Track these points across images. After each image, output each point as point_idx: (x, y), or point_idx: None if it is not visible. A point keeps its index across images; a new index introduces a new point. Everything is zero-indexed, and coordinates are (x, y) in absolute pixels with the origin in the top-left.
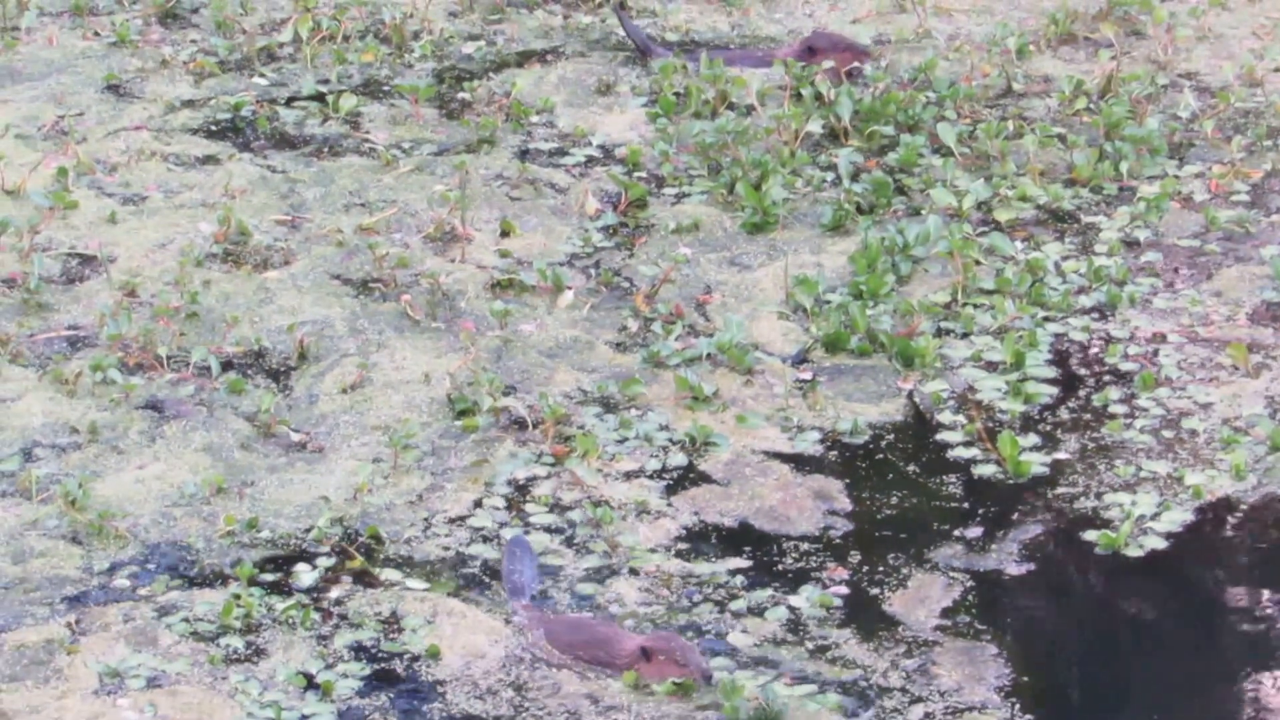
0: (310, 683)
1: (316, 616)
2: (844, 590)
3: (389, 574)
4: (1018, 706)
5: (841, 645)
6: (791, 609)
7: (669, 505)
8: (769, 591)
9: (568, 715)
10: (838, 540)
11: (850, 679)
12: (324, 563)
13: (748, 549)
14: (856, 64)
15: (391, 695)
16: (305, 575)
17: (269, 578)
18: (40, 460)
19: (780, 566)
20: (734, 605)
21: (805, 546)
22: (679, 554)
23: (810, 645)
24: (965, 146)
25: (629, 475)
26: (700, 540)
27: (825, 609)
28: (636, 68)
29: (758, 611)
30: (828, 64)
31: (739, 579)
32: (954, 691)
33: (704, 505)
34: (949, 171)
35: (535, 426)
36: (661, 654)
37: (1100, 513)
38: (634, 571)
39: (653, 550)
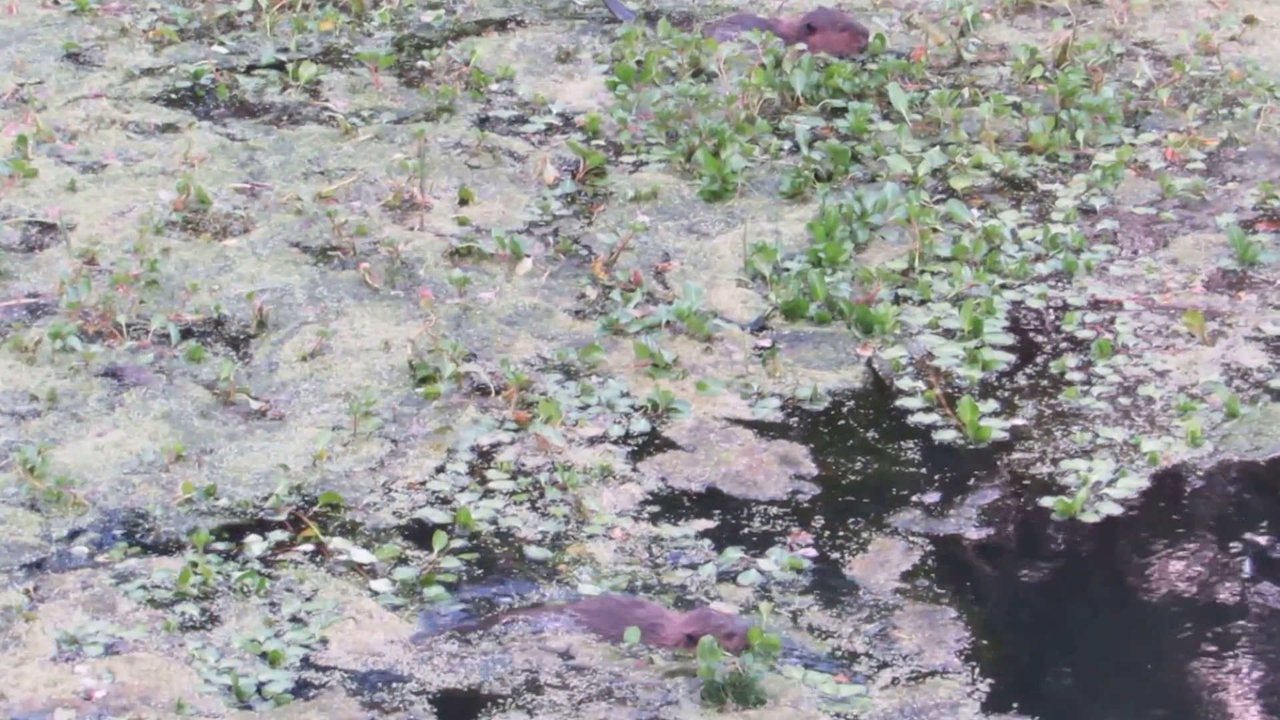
0: (263, 651)
1: (270, 585)
2: (809, 555)
3: (338, 543)
4: (978, 670)
5: (805, 611)
6: (762, 571)
7: (634, 470)
8: (739, 554)
9: (535, 683)
10: (805, 505)
11: (813, 643)
12: (277, 534)
13: (718, 513)
14: (855, 45)
15: (345, 667)
16: (256, 545)
17: (227, 545)
18: None
19: (748, 530)
20: (704, 570)
21: (775, 511)
22: (648, 518)
23: (774, 609)
24: (917, 113)
25: (593, 441)
26: (670, 505)
27: (796, 571)
28: (597, 35)
29: (731, 575)
30: (829, 49)
31: (706, 541)
32: (915, 655)
33: (671, 471)
34: (902, 138)
35: (498, 393)
36: (708, 633)
37: (1057, 479)
38: (603, 535)
39: (621, 514)
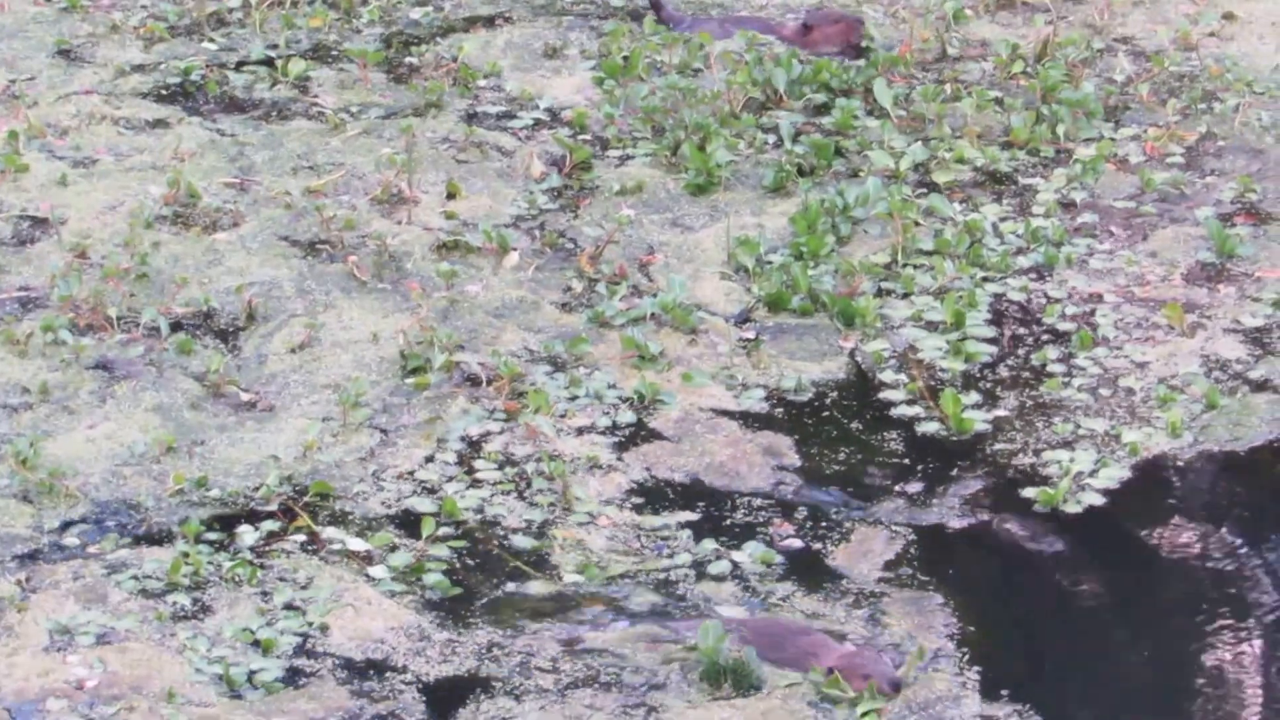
0: (255, 639)
1: (261, 574)
2: (792, 545)
3: (330, 532)
4: (967, 656)
5: (791, 598)
6: (734, 563)
7: (620, 460)
8: (714, 545)
9: (526, 668)
10: (789, 496)
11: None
12: (269, 523)
13: (701, 504)
14: (854, 35)
15: (336, 655)
16: (248, 535)
17: (218, 536)
18: None
19: (730, 521)
20: (692, 558)
21: (757, 502)
22: (633, 508)
23: (758, 598)
24: (901, 109)
25: (581, 431)
26: (656, 496)
27: (766, 565)
28: (584, 31)
29: (712, 564)
30: (829, 45)
31: (685, 532)
32: (906, 640)
33: (656, 461)
34: (886, 133)
35: (489, 383)
36: (846, 670)
37: (1039, 469)
38: (593, 524)
39: (606, 503)
